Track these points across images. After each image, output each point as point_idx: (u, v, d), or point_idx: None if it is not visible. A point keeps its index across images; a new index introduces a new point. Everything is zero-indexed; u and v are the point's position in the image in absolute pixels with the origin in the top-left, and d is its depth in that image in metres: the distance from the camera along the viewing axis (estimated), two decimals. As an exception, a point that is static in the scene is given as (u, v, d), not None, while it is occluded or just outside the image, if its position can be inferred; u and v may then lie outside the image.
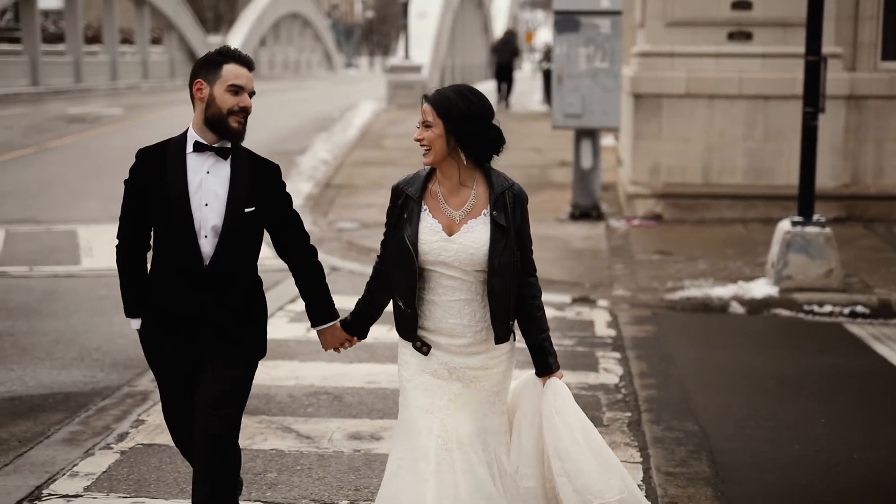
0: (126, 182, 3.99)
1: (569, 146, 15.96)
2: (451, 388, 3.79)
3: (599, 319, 8.63)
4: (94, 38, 43.57)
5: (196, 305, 3.93)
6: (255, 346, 4.07)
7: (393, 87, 28.02)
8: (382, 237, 3.90)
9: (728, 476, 5.20)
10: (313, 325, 4.12)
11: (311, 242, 4.12)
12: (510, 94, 29.10)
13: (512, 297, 3.75)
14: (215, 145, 3.90)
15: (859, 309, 9.01)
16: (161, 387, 4.16)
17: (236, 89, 3.88)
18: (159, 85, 43.45)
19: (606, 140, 17.69)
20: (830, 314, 8.96)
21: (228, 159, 3.92)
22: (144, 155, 3.96)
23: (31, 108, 28.81)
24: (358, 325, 4.06)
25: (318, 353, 7.08)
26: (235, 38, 53.25)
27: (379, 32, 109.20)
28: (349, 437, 5.72)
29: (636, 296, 9.46)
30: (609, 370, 7.09)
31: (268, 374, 6.69)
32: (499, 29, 51.66)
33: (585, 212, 12.89)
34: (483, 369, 3.79)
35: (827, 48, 11.62)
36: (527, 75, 53.21)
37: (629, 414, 6.16)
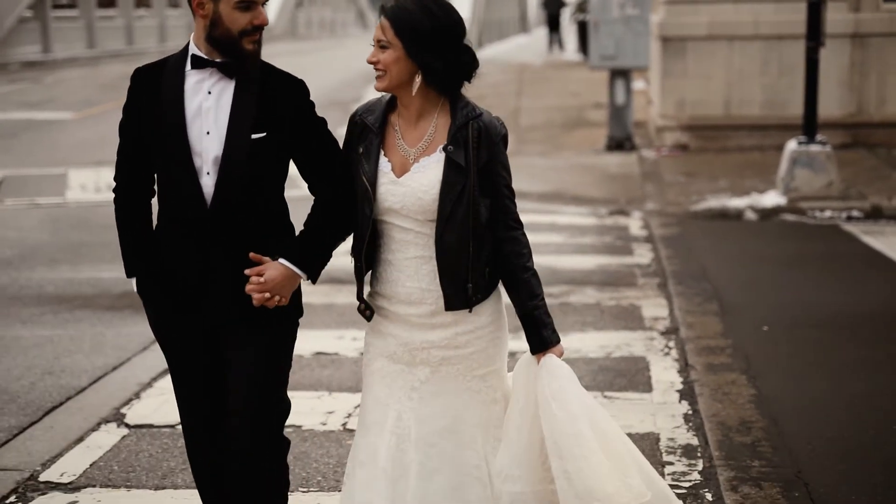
0: (123, 110, 3.32)
1: (603, 90, 17.55)
2: (415, 374, 3.23)
3: (633, 224, 10.32)
4: (141, 2, 45.32)
5: (202, 261, 3.22)
6: (286, 308, 3.26)
7: (435, 41, 29.74)
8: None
9: (730, 311, 6.98)
10: (282, 256, 3.22)
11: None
12: (561, 40, 33.46)
13: (473, 255, 3.15)
14: (218, 60, 3.19)
15: (854, 213, 10.63)
16: (172, 371, 3.41)
17: (248, 4, 3.14)
18: (205, 46, 45.17)
19: (638, 83, 19.28)
20: (830, 218, 10.58)
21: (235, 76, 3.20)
22: (139, 75, 3.28)
23: (92, 70, 30.63)
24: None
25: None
26: (273, 0, 54.93)
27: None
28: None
29: (664, 208, 11.12)
30: (642, 255, 8.81)
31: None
32: (530, -16, 53.26)
33: (619, 143, 14.56)
34: (453, 348, 3.20)
35: (833, -8, 13.24)
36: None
37: (658, 279, 7.89)
